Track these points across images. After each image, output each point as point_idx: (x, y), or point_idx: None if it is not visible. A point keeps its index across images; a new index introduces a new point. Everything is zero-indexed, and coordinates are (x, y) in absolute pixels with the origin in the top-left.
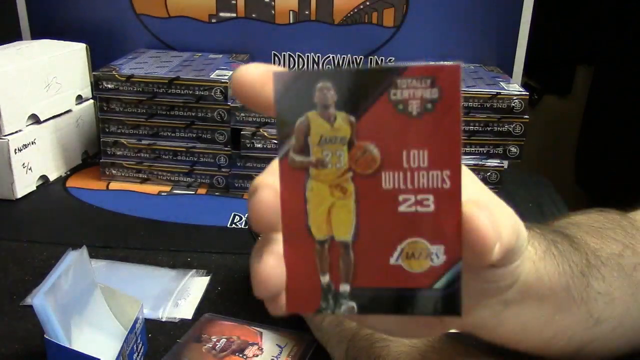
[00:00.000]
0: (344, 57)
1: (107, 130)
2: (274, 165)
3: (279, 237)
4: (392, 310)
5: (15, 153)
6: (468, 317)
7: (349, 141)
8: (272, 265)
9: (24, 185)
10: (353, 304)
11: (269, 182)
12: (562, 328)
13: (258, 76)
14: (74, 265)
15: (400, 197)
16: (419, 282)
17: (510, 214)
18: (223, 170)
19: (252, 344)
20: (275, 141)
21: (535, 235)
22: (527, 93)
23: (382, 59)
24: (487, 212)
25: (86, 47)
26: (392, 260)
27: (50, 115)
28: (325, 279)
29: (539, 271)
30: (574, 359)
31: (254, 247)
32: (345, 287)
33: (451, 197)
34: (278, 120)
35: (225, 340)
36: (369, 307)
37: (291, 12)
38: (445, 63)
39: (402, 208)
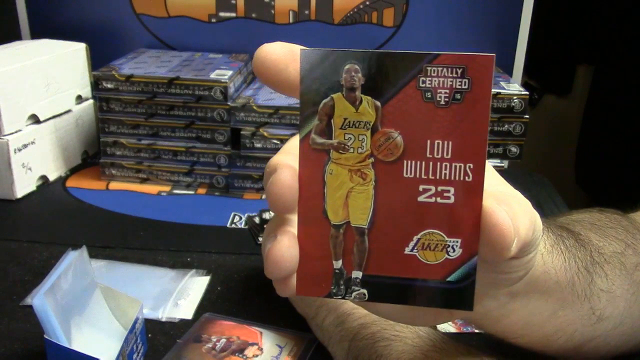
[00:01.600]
0: None
1: (107, 130)
2: (290, 145)
3: (293, 218)
4: (403, 300)
5: (15, 153)
6: (474, 307)
7: (372, 126)
8: (286, 246)
9: (23, 185)
10: (364, 291)
11: (288, 162)
12: (564, 324)
13: (282, 55)
14: (74, 265)
15: (421, 187)
16: (432, 274)
17: (528, 207)
18: (223, 170)
19: (252, 344)
20: (297, 121)
21: (543, 229)
22: (527, 93)
23: None
24: (507, 207)
25: (86, 47)
26: (407, 250)
27: (50, 115)
28: (338, 264)
29: (546, 265)
30: (572, 357)
31: (266, 226)
32: (357, 274)
33: (472, 190)
34: (302, 100)
35: (225, 340)
36: (380, 295)
37: (291, 11)
38: (479, 53)
39: (421, 198)
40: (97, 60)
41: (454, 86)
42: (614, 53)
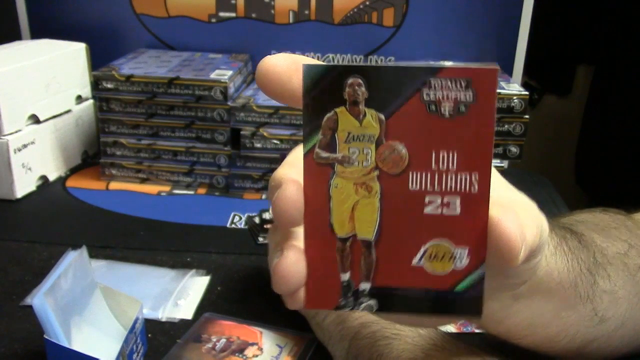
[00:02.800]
0: (343, 57)
1: (107, 130)
2: (293, 157)
3: (299, 232)
4: (412, 310)
5: (15, 153)
6: None
7: (377, 139)
8: (293, 261)
9: (23, 185)
10: (372, 303)
11: (292, 176)
12: (567, 325)
13: (285, 67)
14: (74, 265)
15: (427, 199)
16: (440, 284)
17: (534, 212)
18: (223, 170)
19: (252, 344)
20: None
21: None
22: (527, 93)
23: (381, 59)
24: (513, 214)
25: (86, 47)
26: (415, 261)
27: (50, 115)
28: (346, 276)
29: (549, 266)
30: (575, 358)
31: (271, 241)
32: (365, 286)
33: (478, 201)
34: (305, 114)
35: (225, 340)
36: (388, 306)
37: (291, 11)
38: (483, 66)
39: (427, 209)
40: (97, 60)
41: (458, 98)
42: (614, 53)
